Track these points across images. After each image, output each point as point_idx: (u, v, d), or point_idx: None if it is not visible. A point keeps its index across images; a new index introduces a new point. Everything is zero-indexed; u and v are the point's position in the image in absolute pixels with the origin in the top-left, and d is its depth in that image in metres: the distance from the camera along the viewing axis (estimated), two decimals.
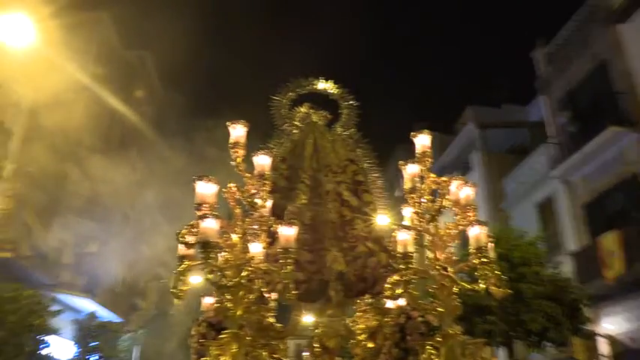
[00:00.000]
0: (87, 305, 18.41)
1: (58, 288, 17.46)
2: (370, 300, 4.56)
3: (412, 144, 4.64)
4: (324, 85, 5.35)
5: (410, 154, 4.66)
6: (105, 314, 19.03)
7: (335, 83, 5.47)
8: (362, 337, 4.32)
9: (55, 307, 12.64)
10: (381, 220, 4.93)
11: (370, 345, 4.24)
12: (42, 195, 17.09)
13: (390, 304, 4.42)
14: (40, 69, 15.30)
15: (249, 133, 4.57)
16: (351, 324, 4.51)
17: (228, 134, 4.54)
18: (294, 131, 5.30)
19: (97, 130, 18.49)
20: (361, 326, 4.39)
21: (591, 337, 10.79)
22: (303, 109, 5.39)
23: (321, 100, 5.52)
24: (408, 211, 4.66)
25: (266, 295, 4.26)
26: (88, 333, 15.44)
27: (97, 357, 15.32)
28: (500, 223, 12.75)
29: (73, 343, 15.58)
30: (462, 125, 24.41)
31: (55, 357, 12.13)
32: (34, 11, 13.39)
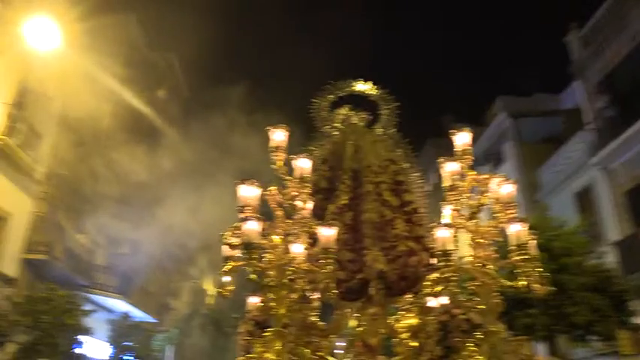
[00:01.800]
0: (120, 305, 18.60)
1: (91, 289, 17.69)
2: (412, 298, 4.57)
3: (442, 137, 4.80)
4: (364, 87, 5.37)
5: (440, 148, 4.68)
6: (138, 314, 19.20)
7: (364, 78, 5.41)
8: (404, 335, 4.34)
9: (88, 307, 12.72)
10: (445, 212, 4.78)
11: (413, 343, 4.24)
12: (74, 197, 17.29)
13: (432, 302, 4.39)
14: (69, 72, 15.48)
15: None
16: (393, 322, 4.50)
17: (260, 131, 4.71)
18: (335, 133, 5.35)
19: (126, 131, 18.59)
20: (404, 324, 4.40)
21: (638, 330, 10.25)
22: (343, 111, 5.42)
23: (360, 100, 5.53)
24: (447, 209, 4.64)
25: (309, 294, 4.33)
26: (121, 333, 15.56)
27: (130, 356, 15.40)
28: (538, 213, 12.25)
29: (108, 342, 15.72)
30: (493, 116, 23.84)
31: (89, 356, 12.24)
32: (60, 15, 13.53)
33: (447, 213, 4.62)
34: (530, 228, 10.86)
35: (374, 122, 5.50)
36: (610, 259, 12.09)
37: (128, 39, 20.39)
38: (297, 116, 5.68)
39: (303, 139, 5.50)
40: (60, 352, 10.45)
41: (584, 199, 15.86)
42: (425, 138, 28.11)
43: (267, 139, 4.83)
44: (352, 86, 5.37)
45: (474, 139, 17.83)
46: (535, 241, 4.17)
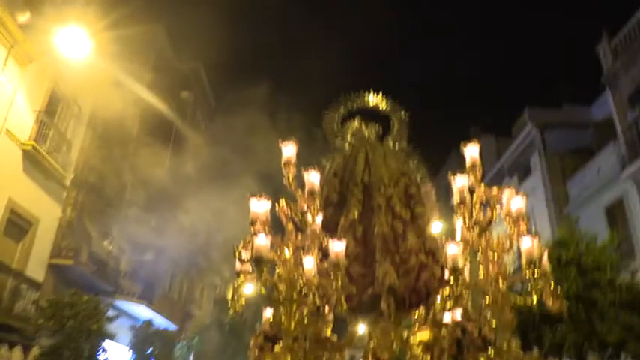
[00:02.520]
0: (144, 312, 18.72)
1: (116, 295, 17.84)
2: (426, 313, 4.53)
3: (467, 142, 4.62)
4: (375, 100, 5.34)
5: (465, 159, 4.58)
6: (161, 321, 19.29)
7: (389, 90, 5.41)
8: (418, 350, 4.29)
9: (111, 313, 12.81)
10: (435, 227, 4.87)
11: (426, 358, 4.20)
12: (101, 203, 17.53)
13: (447, 317, 4.36)
14: (98, 80, 15.77)
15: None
16: (406, 336, 4.45)
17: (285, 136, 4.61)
18: (346, 146, 5.32)
19: (153, 138, 18.83)
20: (418, 339, 4.35)
21: None
22: (355, 124, 5.39)
23: (372, 112, 5.48)
24: (459, 224, 4.61)
25: (322, 307, 4.32)
26: (144, 339, 15.62)
27: None
28: (567, 227, 11.94)
29: (129, 348, 15.80)
30: (520, 128, 23.45)
31: None
32: (90, 24, 13.81)
33: (458, 227, 4.57)
34: (560, 242, 10.59)
35: (386, 134, 5.44)
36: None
37: (156, 47, 20.72)
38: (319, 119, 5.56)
39: (324, 143, 5.49)
40: (83, 357, 10.52)
41: (615, 214, 15.41)
42: (453, 148, 27.82)
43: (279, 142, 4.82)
44: (364, 99, 5.34)
45: (502, 151, 17.58)
46: (546, 256, 4.04)
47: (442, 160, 27.70)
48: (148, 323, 16.23)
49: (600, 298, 9.08)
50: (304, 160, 4.83)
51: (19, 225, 13.69)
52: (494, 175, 23.61)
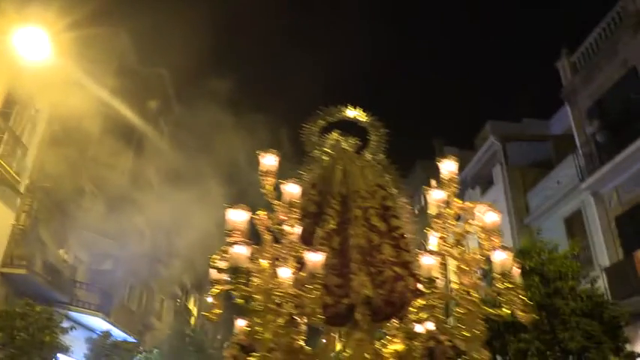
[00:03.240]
0: (101, 324, 18.05)
1: (72, 306, 17.16)
2: (399, 324, 4.56)
3: (431, 159, 4.89)
4: (354, 113, 5.43)
5: (429, 170, 4.99)
6: (119, 333, 18.64)
7: (353, 99, 5.52)
8: None
9: (67, 325, 12.25)
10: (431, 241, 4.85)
11: None
12: (57, 211, 16.86)
13: (419, 328, 4.40)
14: (57, 83, 15.22)
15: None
16: (379, 348, 4.47)
17: (251, 144, 4.63)
18: (324, 158, 5.39)
19: (113, 144, 18.30)
20: (390, 350, 4.37)
21: (633, 358, 10.04)
22: (333, 136, 5.48)
23: (350, 125, 5.61)
24: (434, 237, 4.70)
25: (296, 318, 4.30)
26: (101, 352, 15.02)
27: None
28: (527, 237, 12.16)
29: None
30: (482, 140, 23.95)
31: None
32: (50, 25, 13.33)
33: (433, 240, 4.66)
34: (522, 251, 10.75)
35: (363, 147, 5.54)
36: (600, 284, 11.96)
37: (118, 50, 20.22)
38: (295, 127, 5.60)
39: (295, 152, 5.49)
40: None
41: (574, 224, 15.83)
42: (415, 159, 28.14)
43: (257, 153, 4.85)
44: (342, 112, 5.42)
45: (464, 163, 17.87)
46: (519, 270, 4.17)
47: (405, 172, 27.95)
48: (106, 335, 15.64)
49: (562, 307, 9.21)
50: (281, 171, 4.86)
51: None
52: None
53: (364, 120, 5.45)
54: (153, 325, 26.58)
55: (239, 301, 3.94)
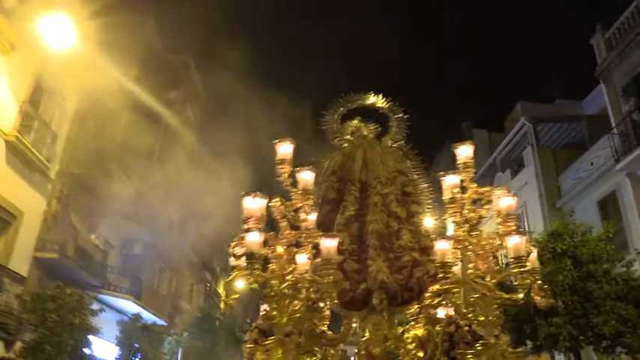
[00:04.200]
0: (131, 307, 18.41)
1: (102, 289, 17.52)
2: (419, 309, 4.58)
3: (460, 142, 4.77)
4: (374, 100, 5.43)
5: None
6: (149, 316, 18.98)
7: (382, 84, 5.50)
8: (412, 346, 4.35)
9: (97, 307, 12.49)
10: (427, 222, 4.96)
11: (420, 354, 4.27)
12: (88, 196, 17.16)
13: (441, 313, 4.43)
14: (84, 70, 15.38)
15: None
16: (400, 333, 4.53)
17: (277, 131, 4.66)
18: (345, 145, 5.42)
19: (141, 130, 18.46)
20: (411, 335, 4.41)
21: None
22: (354, 123, 5.49)
23: (371, 111, 5.61)
24: (449, 221, 4.75)
25: (319, 303, 4.43)
26: (131, 334, 15.30)
27: (139, 358, 15.16)
28: (562, 219, 11.79)
29: (115, 344, 15.48)
30: (513, 123, 23.34)
31: (96, 357, 11.99)
32: (75, 12, 13.44)
33: (450, 225, 4.70)
34: (554, 233, 10.41)
35: (384, 134, 5.53)
36: (635, 267, 11.54)
37: (144, 37, 20.30)
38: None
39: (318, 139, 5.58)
40: (66, 352, 10.18)
41: (608, 207, 15.31)
42: (444, 143, 27.68)
43: (283, 135, 4.93)
44: (363, 99, 5.43)
45: (494, 146, 17.40)
46: (535, 253, 4.20)
47: (434, 155, 27.54)
48: (136, 318, 15.92)
49: (596, 290, 8.92)
50: (303, 157, 4.99)
51: (2, 218, 13.31)
52: (486, 169, 23.47)
53: (383, 106, 5.42)
54: (183, 308, 27.03)
55: (254, 286, 4.06)
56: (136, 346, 15.14)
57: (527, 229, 19.37)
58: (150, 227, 20.98)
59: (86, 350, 11.28)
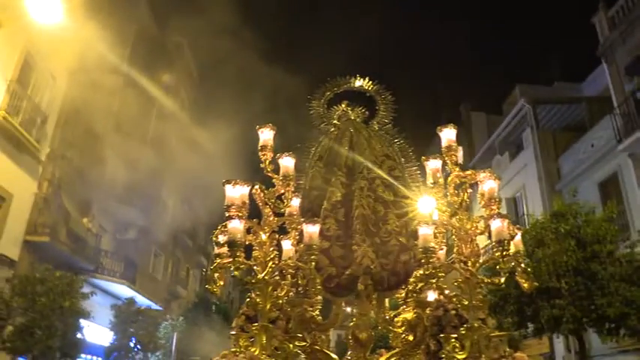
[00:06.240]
0: (126, 292, 18.19)
1: (96, 274, 17.28)
2: (407, 293, 4.59)
3: (457, 125, 4.69)
4: (360, 83, 5.35)
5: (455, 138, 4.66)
6: (144, 301, 18.78)
7: (381, 69, 5.45)
8: (401, 329, 4.39)
9: (87, 290, 12.22)
10: (426, 203, 4.83)
11: (409, 338, 4.32)
12: (80, 179, 16.82)
13: (431, 296, 4.41)
14: (75, 50, 14.95)
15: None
16: (389, 317, 4.56)
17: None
18: (332, 129, 5.36)
19: (134, 112, 18.08)
20: (400, 319, 4.45)
21: None
22: (341, 106, 5.43)
23: (358, 95, 5.54)
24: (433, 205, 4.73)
25: (307, 288, 4.44)
26: (125, 319, 15.09)
27: (134, 343, 14.96)
28: (560, 199, 11.55)
29: (109, 328, 15.27)
30: (511, 105, 23.05)
31: (89, 341, 11.74)
32: None
33: (435, 209, 4.67)
34: (557, 214, 10.18)
35: (372, 117, 5.47)
36: (639, 249, 11.36)
37: (137, 15, 19.81)
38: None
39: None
40: (57, 336, 9.93)
41: (609, 188, 15.11)
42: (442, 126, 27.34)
43: (281, 122, 4.88)
44: (349, 83, 5.34)
45: (492, 128, 17.10)
46: (520, 236, 4.17)
47: (432, 138, 27.22)
48: (130, 302, 15.69)
49: (600, 271, 8.71)
50: (293, 142, 4.99)
51: None
52: (485, 151, 23.24)
53: (370, 89, 5.35)
54: (179, 293, 26.87)
55: (236, 273, 4.11)
56: (131, 330, 14.90)
57: (525, 211, 19.23)
58: (144, 211, 20.69)
59: (78, 334, 11.04)
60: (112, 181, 17.80)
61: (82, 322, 11.35)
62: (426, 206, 4.81)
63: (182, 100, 25.78)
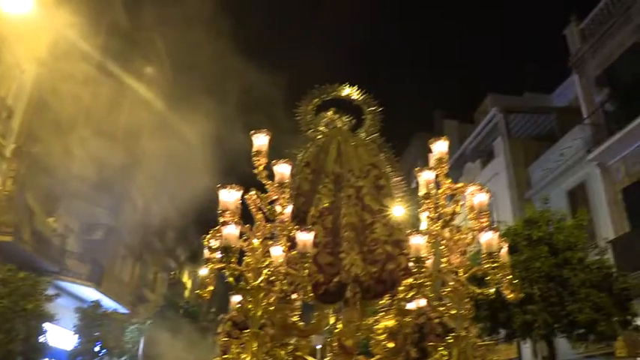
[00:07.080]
0: (91, 294, 17.67)
1: (61, 275, 16.74)
2: (390, 301, 4.62)
3: (431, 132, 4.51)
4: (348, 91, 5.39)
5: (427, 143, 4.80)
6: (110, 304, 18.29)
7: (355, 74, 5.61)
8: (382, 337, 4.41)
9: (53, 293, 11.80)
10: (397, 211, 4.95)
11: (390, 345, 4.33)
12: (46, 177, 16.28)
13: (412, 305, 4.47)
14: (44, 43, 14.49)
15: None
16: (371, 324, 4.58)
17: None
18: (319, 137, 5.38)
19: (105, 108, 17.64)
20: (381, 326, 4.47)
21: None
22: (328, 114, 5.45)
23: (345, 103, 5.56)
24: (424, 216, 4.76)
25: (291, 295, 4.46)
26: (91, 322, 14.64)
27: (99, 347, 14.53)
28: (537, 206, 11.75)
29: (74, 332, 14.79)
30: (482, 114, 23.44)
31: (52, 345, 11.32)
32: None
33: (424, 219, 4.71)
34: (529, 221, 10.31)
35: (358, 126, 5.51)
36: (608, 256, 11.60)
37: (109, 5, 19.33)
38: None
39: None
40: (18, 339, 9.53)
41: (578, 197, 15.43)
42: (415, 133, 27.59)
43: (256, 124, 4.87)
44: (337, 91, 5.38)
45: (464, 136, 17.24)
46: (506, 249, 4.22)
47: (405, 144, 27.44)
48: (96, 305, 15.24)
49: (572, 278, 8.84)
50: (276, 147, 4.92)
51: None
52: (456, 159, 23.51)
53: (357, 98, 5.38)
54: (146, 296, 26.30)
55: (229, 279, 4.06)
56: (96, 334, 14.46)
57: (495, 219, 19.50)
58: (112, 211, 20.20)
59: (41, 338, 10.62)
60: (79, 178, 17.30)
61: (46, 325, 10.94)
62: (399, 212, 4.90)
63: (155, 96, 25.29)
